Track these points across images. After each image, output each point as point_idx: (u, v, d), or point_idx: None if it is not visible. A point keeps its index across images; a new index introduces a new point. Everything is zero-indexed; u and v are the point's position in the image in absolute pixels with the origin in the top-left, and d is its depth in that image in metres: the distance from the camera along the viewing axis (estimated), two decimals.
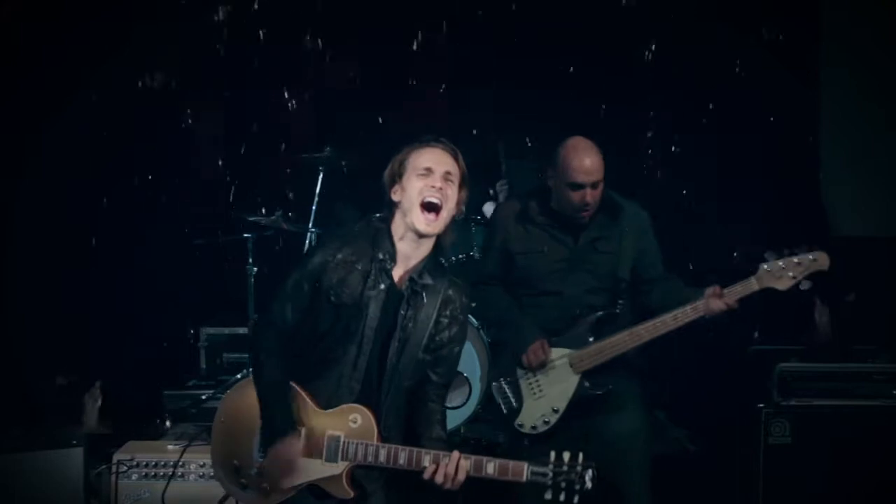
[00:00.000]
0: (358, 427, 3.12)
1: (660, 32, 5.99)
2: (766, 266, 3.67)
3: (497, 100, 6.39)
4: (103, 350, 5.81)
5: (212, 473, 4.23)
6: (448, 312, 3.24)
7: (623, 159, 4.07)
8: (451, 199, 3.18)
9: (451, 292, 3.25)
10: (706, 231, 5.78)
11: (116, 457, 4.30)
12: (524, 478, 3.04)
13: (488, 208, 5.92)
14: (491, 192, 6.01)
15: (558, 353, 3.91)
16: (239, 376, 5.68)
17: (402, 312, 3.18)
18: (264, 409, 3.18)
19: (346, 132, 6.01)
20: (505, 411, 3.98)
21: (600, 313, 3.90)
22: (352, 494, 3.14)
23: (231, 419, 3.31)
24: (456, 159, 3.23)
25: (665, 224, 4.07)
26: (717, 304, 3.70)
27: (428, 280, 3.21)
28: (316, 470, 3.14)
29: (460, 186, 3.22)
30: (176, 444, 4.48)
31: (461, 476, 3.05)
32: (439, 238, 3.23)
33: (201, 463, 4.28)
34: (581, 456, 3.03)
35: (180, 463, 4.30)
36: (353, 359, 3.16)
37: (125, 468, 4.25)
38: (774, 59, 5.94)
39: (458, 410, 4.98)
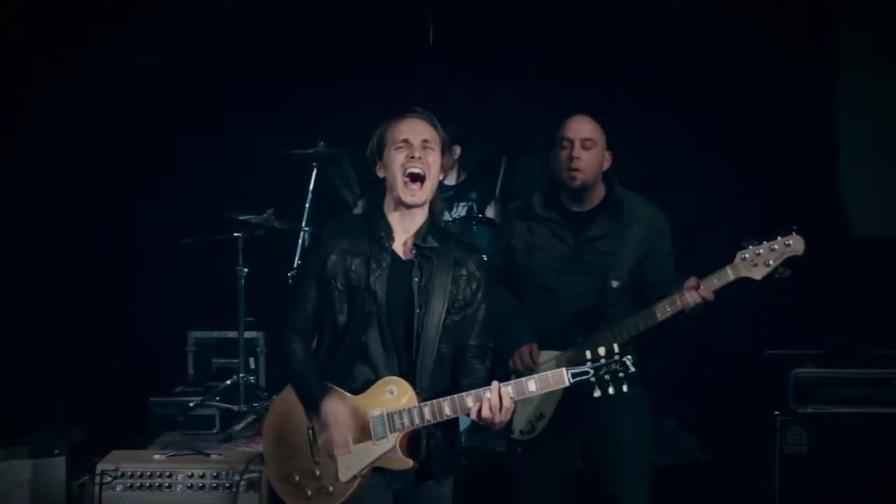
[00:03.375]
0: (396, 396, 3.24)
1: (671, 25, 6.00)
2: (742, 254, 3.66)
3: (498, 95, 6.39)
4: (88, 354, 5.81)
5: (200, 484, 4.25)
6: (464, 271, 3.37)
7: (632, 157, 4.09)
8: (433, 166, 3.32)
9: (460, 252, 3.39)
10: (716, 230, 5.78)
11: (100, 467, 4.28)
12: (566, 383, 3.19)
13: (490, 210, 5.94)
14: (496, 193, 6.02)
15: (548, 357, 3.95)
16: (228, 382, 5.70)
17: (416, 279, 3.31)
18: (300, 388, 3.32)
19: (340, 127, 6.01)
20: None
21: (592, 314, 3.93)
22: (412, 463, 3.25)
23: (278, 436, 3.39)
24: (433, 125, 3.37)
25: (674, 223, 4.07)
26: (693, 297, 3.71)
27: (433, 243, 3.34)
28: (370, 451, 3.25)
29: (442, 151, 3.36)
30: (162, 454, 4.48)
31: (507, 403, 3.19)
32: (431, 206, 3.38)
33: (189, 473, 4.28)
34: (615, 345, 3.18)
35: (167, 473, 4.30)
36: (379, 340, 3.29)
37: (109, 479, 4.23)
38: (792, 52, 5.94)
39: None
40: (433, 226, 3.38)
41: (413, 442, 3.28)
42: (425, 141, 3.31)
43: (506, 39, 6.29)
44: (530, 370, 3.93)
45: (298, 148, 5.84)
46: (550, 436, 3.95)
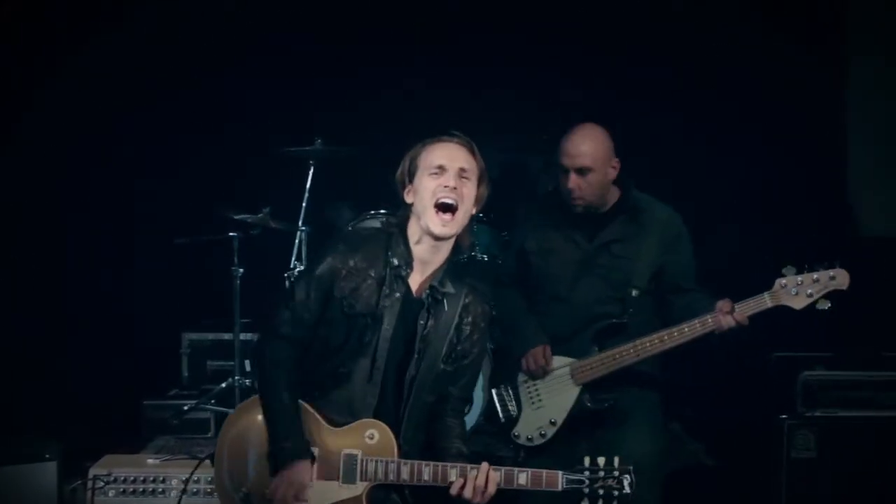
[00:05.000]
0: (376, 443, 3.11)
1: (673, 22, 5.99)
2: (781, 281, 3.64)
3: (499, 94, 6.38)
4: (79, 357, 5.78)
5: (195, 490, 4.22)
6: (469, 319, 3.24)
7: (633, 157, 4.05)
8: (467, 199, 3.15)
9: (470, 299, 3.25)
10: (726, 234, 5.78)
11: (92, 471, 4.27)
12: (559, 487, 3.06)
13: None
14: None
15: (560, 362, 3.93)
16: (224, 385, 5.67)
17: (422, 322, 3.17)
18: (273, 428, 3.14)
19: (338, 124, 5.99)
20: (503, 419, 4.01)
21: (607, 322, 3.90)
22: None
23: (238, 444, 3.24)
24: (472, 153, 3.19)
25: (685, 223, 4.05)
26: (727, 320, 3.68)
27: (450, 289, 3.20)
28: (333, 493, 3.12)
29: (478, 182, 3.19)
30: (156, 458, 4.46)
31: (491, 489, 3.05)
32: (457, 240, 3.22)
33: (183, 478, 4.26)
34: (616, 460, 3.08)
35: (161, 478, 4.27)
36: (368, 372, 3.14)
37: (102, 484, 4.22)
38: (799, 48, 5.93)
39: None
40: (452, 265, 3.24)
41: (376, 495, 3.14)
42: (462, 170, 3.14)
43: (506, 38, 6.28)
44: (543, 373, 3.92)
45: (295, 146, 5.82)
46: (557, 444, 3.91)
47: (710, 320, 3.70)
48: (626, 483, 3.05)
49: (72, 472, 4.45)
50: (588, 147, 3.85)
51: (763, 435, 4.73)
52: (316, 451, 3.13)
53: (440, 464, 3.08)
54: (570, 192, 3.87)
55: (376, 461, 3.09)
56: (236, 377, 5.65)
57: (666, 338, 3.76)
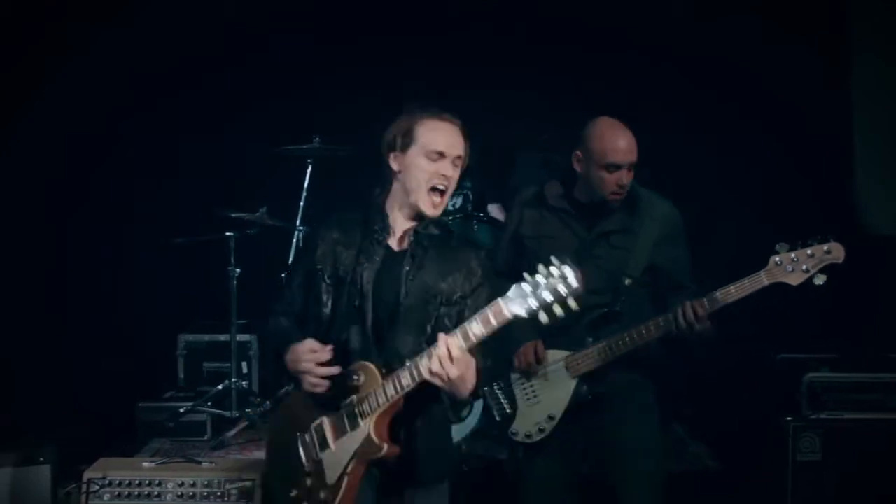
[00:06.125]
0: (363, 381, 3.17)
1: (676, 18, 5.98)
2: (776, 259, 3.63)
3: (497, 89, 6.38)
4: (74, 358, 5.77)
5: (191, 493, 4.22)
6: (462, 266, 3.27)
7: (641, 159, 4.03)
8: (453, 182, 3.28)
9: (461, 245, 3.32)
10: (730, 233, 5.77)
11: (87, 475, 4.25)
12: (507, 314, 2.92)
13: (493, 209, 5.92)
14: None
15: (555, 356, 3.91)
16: (220, 387, 5.67)
17: (407, 268, 3.24)
18: (279, 346, 3.29)
19: (337, 123, 5.99)
20: (498, 418, 4.01)
21: (601, 311, 3.88)
22: (386, 448, 3.13)
23: (279, 447, 3.34)
24: (466, 138, 3.29)
25: (686, 223, 4.04)
26: (688, 313, 3.67)
27: (434, 230, 3.28)
28: (349, 443, 3.18)
29: (462, 167, 3.32)
30: (152, 462, 4.45)
31: (455, 352, 3.00)
32: None
33: (179, 482, 4.25)
34: (553, 258, 2.85)
35: (156, 482, 4.26)
36: (361, 336, 3.23)
37: (97, 487, 4.20)
38: (803, 46, 5.92)
39: (459, 425, 4.96)
40: (435, 220, 3.29)
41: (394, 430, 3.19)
42: (457, 157, 3.25)
43: (506, 37, 6.28)
44: (535, 369, 3.91)
45: (294, 144, 5.82)
46: (555, 440, 3.90)
47: (679, 310, 3.71)
48: (570, 276, 2.81)
49: (66, 476, 4.44)
50: (631, 141, 3.85)
51: (767, 437, 4.71)
52: (326, 422, 3.22)
53: (411, 361, 3.09)
54: (618, 188, 3.85)
55: (367, 396, 3.15)
56: (233, 379, 5.66)
57: (653, 328, 3.76)
